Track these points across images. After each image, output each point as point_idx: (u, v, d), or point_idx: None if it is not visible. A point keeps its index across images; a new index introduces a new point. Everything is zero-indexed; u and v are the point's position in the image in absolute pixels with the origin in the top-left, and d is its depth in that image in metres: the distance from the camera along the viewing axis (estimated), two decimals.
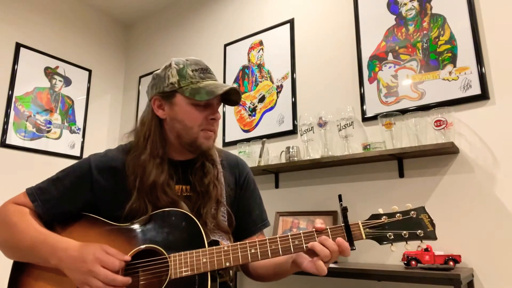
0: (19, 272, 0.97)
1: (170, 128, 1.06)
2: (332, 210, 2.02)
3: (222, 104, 1.11)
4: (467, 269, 1.56)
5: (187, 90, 1.01)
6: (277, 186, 2.32)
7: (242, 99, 2.59)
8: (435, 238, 0.86)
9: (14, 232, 0.95)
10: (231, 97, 1.09)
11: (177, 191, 1.05)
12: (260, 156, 2.27)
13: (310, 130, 2.18)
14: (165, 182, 1.01)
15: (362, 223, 0.89)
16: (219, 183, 1.09)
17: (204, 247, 0.91)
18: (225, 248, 0.91)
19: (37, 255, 0.93)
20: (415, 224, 0.87)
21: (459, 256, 1.55)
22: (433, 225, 0.87)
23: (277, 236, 0.91)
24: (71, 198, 1.02)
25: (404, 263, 1.59)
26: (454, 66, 1.83)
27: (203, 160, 1.10)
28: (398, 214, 0.89)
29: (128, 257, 0.89)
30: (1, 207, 1.02)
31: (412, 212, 0.89)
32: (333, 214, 1.99)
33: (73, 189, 1.02)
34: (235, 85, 1.05)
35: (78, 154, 3.09)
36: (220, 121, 2.66)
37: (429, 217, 0.88)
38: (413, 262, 1.56)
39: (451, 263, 1.52)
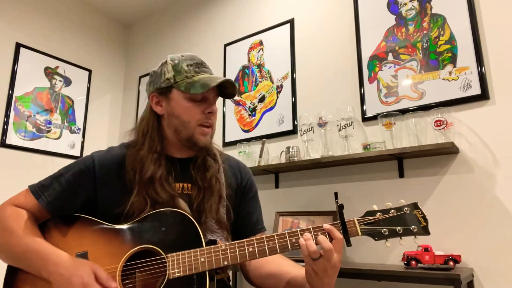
0: (13, 276, 0.96)
1: (168, 123, 1.08)
2: (332, 210, 2.02)
3: (222, 100, 1.11)
4: (467, 269, 1.56)
5: (182, 84, 1.03)
6: (277, 186, 2.32)
7: (242, 99, 2.61)
8: (428, 233, 0.88)
9: (8, 236, 0.95)
10: (227, 90, 1.10)
11: (177, 188, 1.05)
12: (260, 156, 2.27)
13: (310, 130, 2.18)
14: (163, 177, 1.02)
15: (357, 219, 0.91)
16: (221, 177, 1.10)
17: (202, 246, 0.91)
18: (223, 247, 0.90)
19: (28, 264, 0.92)
20: (408, 220, 0.89)
21: (459, 256, 1.55)
22: (426, 220, 0.89)
23: (274, 234, 0.91)
24: (73, 193, 1.02)
25: (404, 263, 1.59)
26: (454, 66, 1.83)
27: (204, 155, 1.11)
28: (392, 211, 0.91)
29: (115, 285, 0.87)
30: None
31: (406, 208, 0.91)
32: (333, 214, 1.99)
33: (76, 183, 1.02)
34: (230, 78, 1.06)
35: (78, 154, 3.09)
36: (220, 121, 2.68)
37: (422, 212, 0.90)
38: (413, 262, 1.56)
39: (451, 263, 1.52)
